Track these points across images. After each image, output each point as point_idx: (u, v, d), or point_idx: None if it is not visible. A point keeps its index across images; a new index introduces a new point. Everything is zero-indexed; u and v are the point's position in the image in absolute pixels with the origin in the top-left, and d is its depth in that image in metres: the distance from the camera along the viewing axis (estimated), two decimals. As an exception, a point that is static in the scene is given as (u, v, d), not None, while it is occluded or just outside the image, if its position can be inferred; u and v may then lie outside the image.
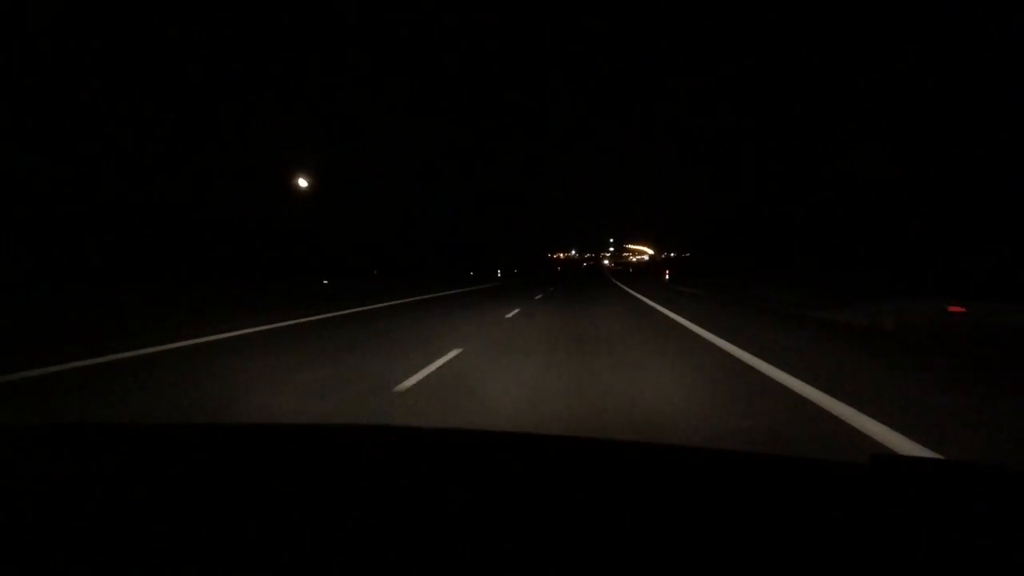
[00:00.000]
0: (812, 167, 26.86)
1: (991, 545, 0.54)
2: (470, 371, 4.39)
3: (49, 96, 19.56)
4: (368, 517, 0.62)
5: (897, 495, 0.66)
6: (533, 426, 2.85)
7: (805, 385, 3.70)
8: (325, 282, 20.31)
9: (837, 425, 2.85)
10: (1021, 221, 14.11)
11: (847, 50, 24.73)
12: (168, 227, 22.80)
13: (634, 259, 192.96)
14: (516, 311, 10.61)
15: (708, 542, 0.55)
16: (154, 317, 8.57)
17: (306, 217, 33.06)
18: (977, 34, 17.01)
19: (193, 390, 3.76)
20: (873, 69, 22.82)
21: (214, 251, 23.92)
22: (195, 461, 0.85)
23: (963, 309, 5.63)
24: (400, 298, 15.12)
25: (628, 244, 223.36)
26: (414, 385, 3.85)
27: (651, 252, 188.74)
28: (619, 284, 27.77)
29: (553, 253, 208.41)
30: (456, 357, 5.07)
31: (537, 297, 16.02)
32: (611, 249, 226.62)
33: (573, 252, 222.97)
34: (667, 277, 31.49)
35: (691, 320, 8.48)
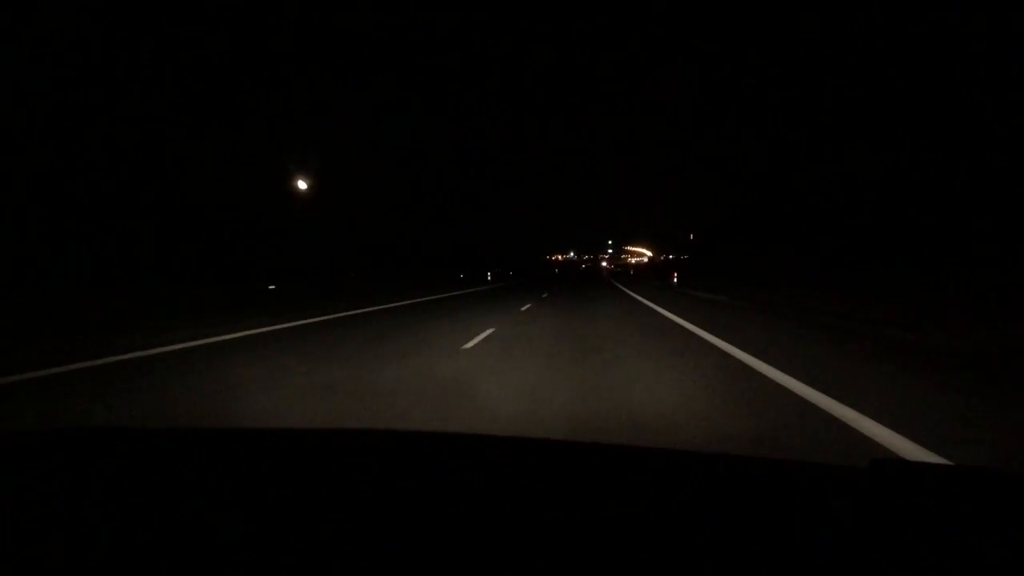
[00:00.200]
0: (815, 165, 25.18)
1: (994, 552, 0.53)
2: None
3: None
4: (366, 523, 0.62)
5: (897, 500, 0.65)
6: None
7: None
8: (272, 287, 17.28)
9: None
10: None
11: (846, 51, 23.55)
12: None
13: (633, 260, 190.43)
14: (488, 332, 7.68)
15: (704, 547, 0.56)
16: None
17: (278, 214, 30.21)
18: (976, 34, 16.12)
19: None
20: (871, 69, 21.73)
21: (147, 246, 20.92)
22: (191, 466, 0.85)
23: None
24: (345, 310, 12.12)
25: (627, 246, 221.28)
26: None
27: (650, 253, 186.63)
28: (624, 289, 24.64)
29: (551, 255, 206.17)
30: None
31: (524, 308, 12.99)
32: (609, 251, 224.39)
33: (571, 254, 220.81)
34: (675, 279, 28.55)
35: (767, 360, 4.89)
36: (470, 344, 6.51)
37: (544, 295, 19.10)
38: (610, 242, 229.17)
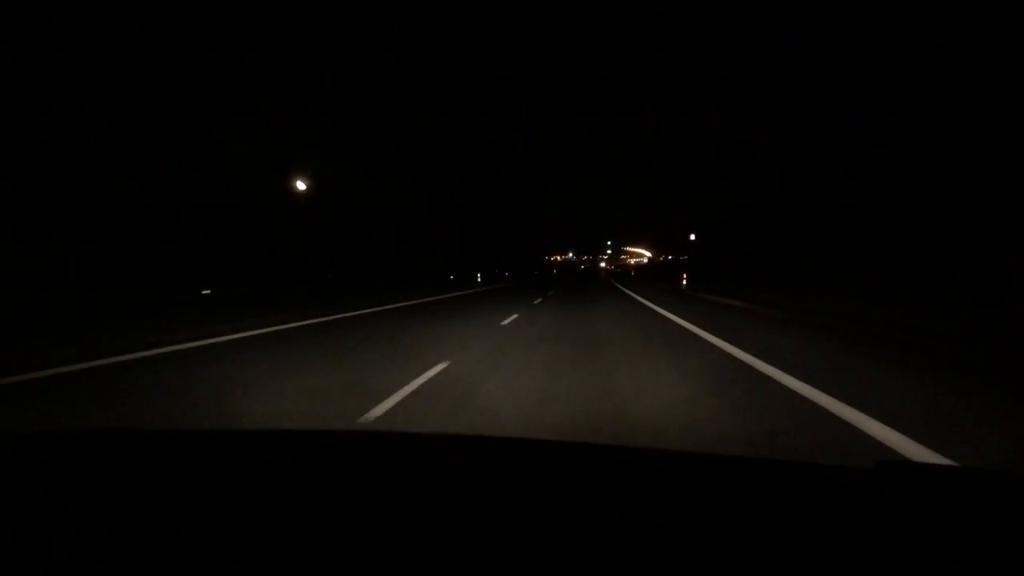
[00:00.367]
0: (822, 163, 24.56)
1: (1001, 554, 0.53)
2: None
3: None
4: (367, 524, 0.62)
5: (902, 502, 0.65)
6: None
7: None
8: (206, 292, 14.04)
9: None
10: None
11: (845, 50, 23.30)
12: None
13: (632, 261, 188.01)
14: (441, 367, 4.49)
15: (708, 549, 0.55)
16: None
17: (246, 211, 27.05)
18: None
19: None
20: (871, 68, 21.40)
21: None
22: (190, 468, 0.84)
23: None
24: (290, 321, 8.91)
25: (626, 247, 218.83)
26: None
27: (649, 254, 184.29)
28: (631, 293, 21.39)
29: (550, 256, 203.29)
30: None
31: (508, 321, 9.69)
32: (608, 252, 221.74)
33: (570, 254, 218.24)
34: (684, 282, 25.38)
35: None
36: (423, 380, 3.72)
37: (537, 301, 15.78)
38: (609, 243, 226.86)
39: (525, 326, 8.54)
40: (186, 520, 0.62)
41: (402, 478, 0.81)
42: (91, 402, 3.68)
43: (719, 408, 3.31)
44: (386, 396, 3.64)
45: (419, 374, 4.39)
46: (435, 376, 4.33)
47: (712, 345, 6.47)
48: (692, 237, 61.47)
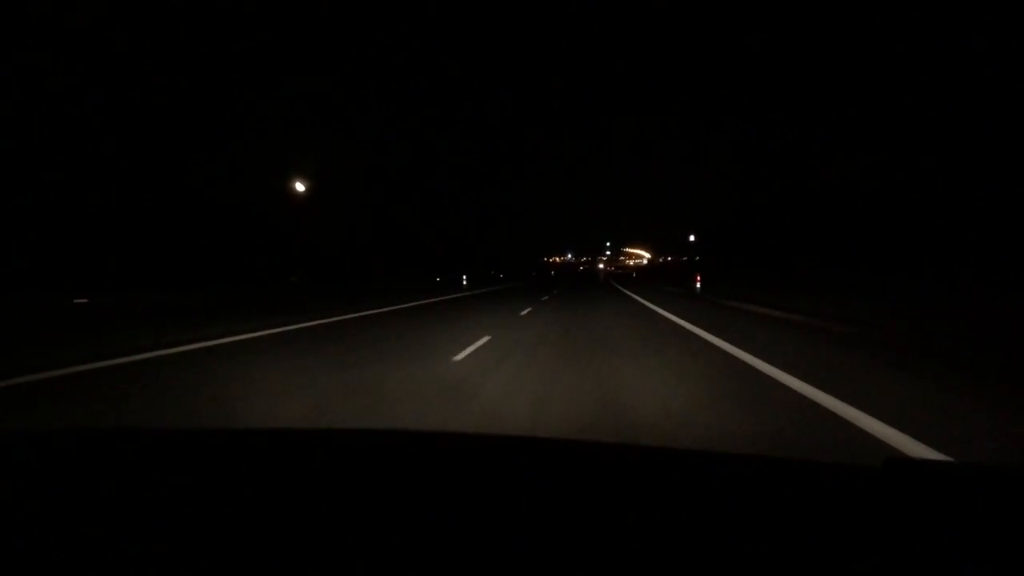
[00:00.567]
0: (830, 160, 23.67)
1: (1009, 551, 0.52)
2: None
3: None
4: (368, 524, 0.61)
5: (911, 499, 0.65)
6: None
7: None
8: (82, 301, 10.62)
9: None
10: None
11: (844, 49, 23.07)
12: None
13: (631, 262, 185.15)
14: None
15: (716, 547, 0.55)
16: None
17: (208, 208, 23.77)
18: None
19: None
20: (871, 69, 21.09)
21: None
22: (194, 467, 0.84)
23: None
24: (193, 340, 5.35)
25: (625, 248, 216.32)
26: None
27: (648, 255, 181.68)
28: (641, 300, 17.94)
29: (549, 257, 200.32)
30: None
31: (476, 346, 6.27)
32: (608, 253, 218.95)
33: (569, 256, 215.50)
34: (698, 285, 21.95)
35: None
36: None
37: (526, 311, 12.21)
38: (608, 244, 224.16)
39: (511, 353, 5.11)
40: (187, 521, 0.62)
41: (403, 477, 0.79)
42: None
43: None
44: None
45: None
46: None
47: (813, 402, 3.22)
48: (692, 238, 59.87)
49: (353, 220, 34.18)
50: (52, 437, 0.99)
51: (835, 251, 22.76)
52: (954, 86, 16.67)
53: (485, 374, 4.57)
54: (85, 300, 10.91)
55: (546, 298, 18.24)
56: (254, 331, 7.96)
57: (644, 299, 16.87)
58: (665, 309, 12.29)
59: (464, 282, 24.87)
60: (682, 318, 9.89)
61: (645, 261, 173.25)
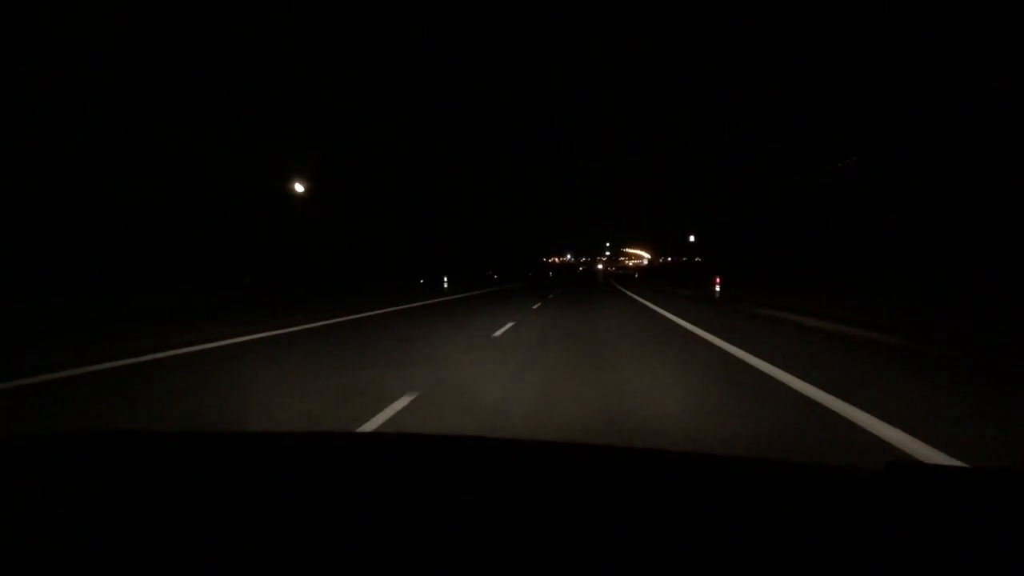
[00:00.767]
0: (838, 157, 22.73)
1: (1013, 555, 0.52)
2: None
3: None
4: (371, 527, 0.61)
5: (914, 504, 0.64)
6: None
7: None
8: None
9: None
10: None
11: (844, 47, 22.43)
12: None
13: (631, 263, 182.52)
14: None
15: (714, 550, 0.55)
16: None
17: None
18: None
19: None
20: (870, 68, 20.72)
21: None
22: (195, 469, 0.84)
23: None
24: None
25: (625, 248, 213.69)
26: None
27: (648, 256, 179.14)
28: (656, 308, 15.28)
29: (548, 257, 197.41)
30: None
31: (392, 411, 3.61)
32: (607, 253, 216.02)
33: (568, 256, 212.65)
34: (717, 288, 19.21)
35: None
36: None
37: (507, 327, 9.37)
38: (608, 244, 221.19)
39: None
40: (187, 523, 0.61)
41: (405, 480, 0.79)
42: None
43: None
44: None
45: None
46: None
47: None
48: (692, 239, 59.02)
49: (328, 217, 31.39)
50: (50, 440, 0.97)
51: (848, 250, 21.77)
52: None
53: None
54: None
55: (537, 306, 15.31)
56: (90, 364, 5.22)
57: (660, 307, 14.06)
58: (692, 322, 9.49)
59: (445, 285, 22.11)
60: (728, 341, 7.11)
61: (645, 262, 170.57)
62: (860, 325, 8.54)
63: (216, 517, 0.63)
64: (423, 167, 75.15)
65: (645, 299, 18.57)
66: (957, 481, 0.72)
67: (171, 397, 4.15)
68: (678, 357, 6.10)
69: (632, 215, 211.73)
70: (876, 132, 20.70)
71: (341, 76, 57.20)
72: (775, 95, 29.87)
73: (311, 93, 41.91)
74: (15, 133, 17.51)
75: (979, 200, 15.64)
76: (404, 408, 3.70)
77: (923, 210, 18.08)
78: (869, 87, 21.10)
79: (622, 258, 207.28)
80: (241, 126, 25.83)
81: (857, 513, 0.63)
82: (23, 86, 17.51)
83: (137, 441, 1.01)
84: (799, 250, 27.39)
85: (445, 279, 22.69)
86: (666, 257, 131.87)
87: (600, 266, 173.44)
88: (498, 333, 8.44)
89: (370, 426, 3.30)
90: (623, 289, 29.43)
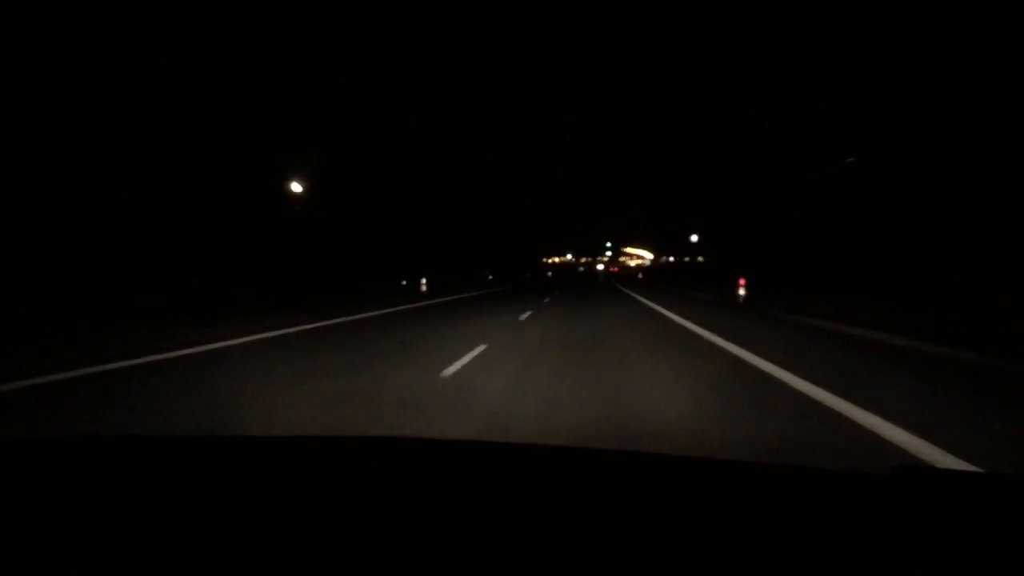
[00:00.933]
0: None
1: (1020, 561, 0.50)
2: None
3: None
4: (372, 531, 0.60)
5: (919, 507, 0.62)
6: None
7: None
8: None
9: None
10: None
11: (843, 45, 21.90)
12: None
13: (633, 263, 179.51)
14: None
15: (721, 555, 0.54)
16: None
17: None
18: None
19: None
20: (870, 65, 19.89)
21: None
22: (192, 473, 0.83)
23: None
24: None
25: (626, 248, 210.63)
26: None
27: (650, 256, 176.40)
28: (681, 320, 12.23)
29: (548, 257, 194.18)
30: None
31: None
32: (608, 253, 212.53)
33: (568, 256, 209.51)
34: (742, 291, 16.14)
35: None
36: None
37: (473, 354, 6.40)
38: (608, 244, 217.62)
39: None
40: (188, 528, 0.61)
41: (406, 484, 0.77)
42: None
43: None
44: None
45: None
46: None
47: None
48: (694, 239, 57.90)
49: (307, 217, 28.40)
50: (50, 444, 0.95)
51: (858, 249, 20.51)
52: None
53: None
54: None
55: (527, 315, 12.18)
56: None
57: (675, 314, 10.94)
58: (731, 340, 6.37)
59: (424, 288, 18.89)
60: (800, 375, 4.06)
61: (647, 262, 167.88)
62: (962, 344, 5.67)
63: (213, 521, 0.62)
64: (423, 167, 72.04)
65: (655, 302, 15.42)
66: (964, 485, 0.70)
67: None
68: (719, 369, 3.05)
69: (633, 215, 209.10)
70: (875, 132, 20.21)
71: (337, 75, 54.63)
72: (776, 92, 29.50)
73: (303, 90, 39.53)
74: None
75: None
76: None
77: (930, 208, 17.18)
78: (870, 83, 20.52)
79: (623, 258, 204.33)
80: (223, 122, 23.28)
81: (859, 519, 0.61)
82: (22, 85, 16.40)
83: (135, 445, 0.99)
84: (805, 250, 25.86)
85: (424, 281, 19.43)
86: (667, 257, 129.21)
87: (600, 266, 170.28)
88: (450, 371, 5.28)
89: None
90: (628, 291, 26.21)
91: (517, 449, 1.02)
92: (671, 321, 10.43)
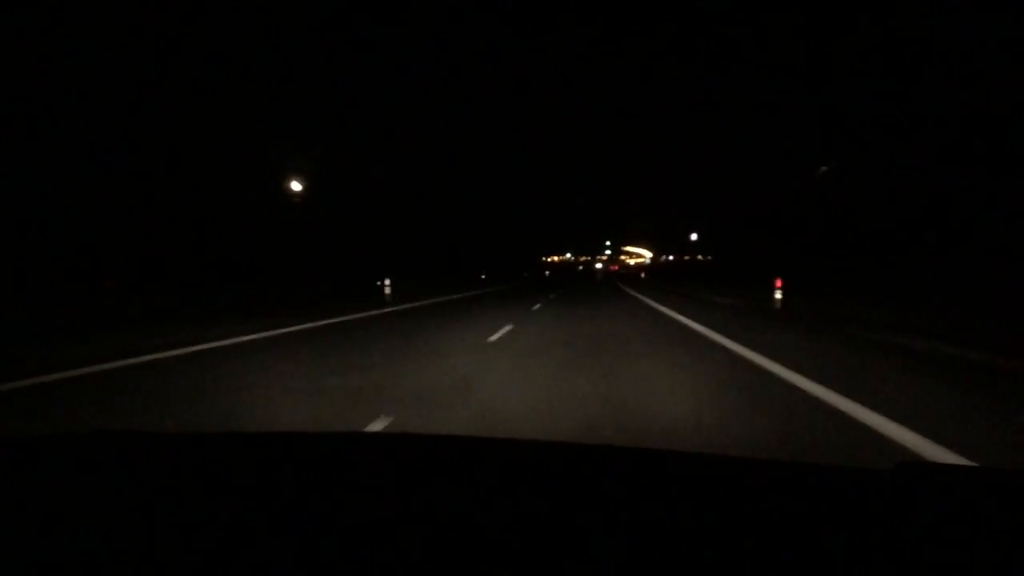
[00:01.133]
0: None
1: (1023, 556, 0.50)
2: None
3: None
4: (374, 529, 0.60)
5: (923, 503, 0.62)
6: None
7: None
8: None
9: None
10: None
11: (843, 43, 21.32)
12: None
13: (633, 262, 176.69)
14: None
15: (724, 551, 0.54)
16: None
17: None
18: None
19: None
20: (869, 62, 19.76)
21: None
22: (200, 470, 0.82)
23: None
24: None
25: (625, 247, 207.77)
26: None
27: (649, 254, 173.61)
28: (730, 344, 8.94)
29: (547, 256, 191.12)
30: None
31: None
32: (608, 252, 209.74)
33: (568, 255, 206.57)
34: (779, 295, 12.97)
35: None
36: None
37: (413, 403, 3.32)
38: (608, 243, 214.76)
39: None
40: (189, 526, 0.60)
41: (407, 481, 0.77)
42: None
43: None
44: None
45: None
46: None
47: None
48: (693, 237, 58.11)
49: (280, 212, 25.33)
50: (51, 441, 0.94)
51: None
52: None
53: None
54: None
55: (507, 330, 8.70)
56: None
57: (713, 331, 7.68)
58: (842, 393, 3.14)
59: (387, 291, 15.53)
60: None
61: (648, 260, 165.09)
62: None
63: (219, 517, 0.61)
64: (421, 166, 68.86)
65: (677, 312, 12.12)
66: (967, 481, 0.69)
67: None
68: None
69: (632, 214, 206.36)
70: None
71: (333, 74, 51.92)
72: (778, 90, 29.32)
73: (300, 89, 37.12)
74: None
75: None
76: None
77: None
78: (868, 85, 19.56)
79: (623, 257, 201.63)
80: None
81: (864, 515, 0.61)
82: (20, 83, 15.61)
83: (143, 441, 0.98)
84: (808, 249, 24.63)
85: (387, 283, 16.10)
86: (667, 255, 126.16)
87: (599, 265, 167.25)
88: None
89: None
90: (639, 295, 22.83)
91: (519, 445, 0.97)
92: (709, 338, 7.15)
